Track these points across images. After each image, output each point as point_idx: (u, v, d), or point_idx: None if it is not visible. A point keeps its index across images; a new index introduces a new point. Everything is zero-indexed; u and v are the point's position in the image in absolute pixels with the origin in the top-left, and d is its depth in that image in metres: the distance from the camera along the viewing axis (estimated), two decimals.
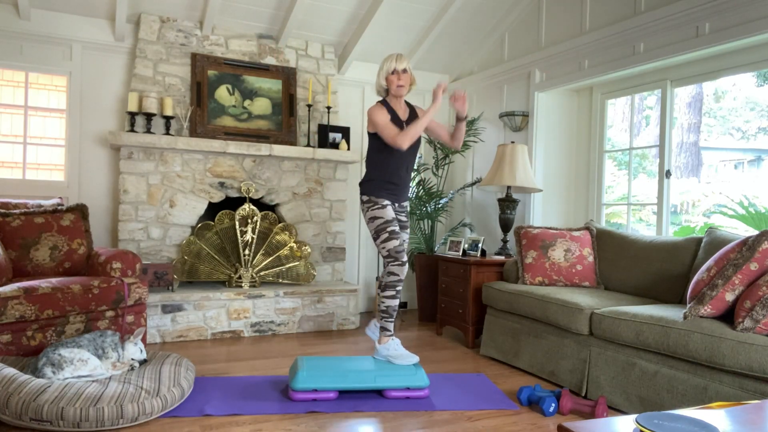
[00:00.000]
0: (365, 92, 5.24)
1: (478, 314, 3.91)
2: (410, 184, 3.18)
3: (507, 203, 4.23)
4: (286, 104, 4.64)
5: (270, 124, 4.56)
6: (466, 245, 4.22)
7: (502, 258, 4.02)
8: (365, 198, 3.01)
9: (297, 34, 4.72)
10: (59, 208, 3.51)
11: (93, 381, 2.46)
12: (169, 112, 4.14)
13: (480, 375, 3.23)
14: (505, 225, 4.26)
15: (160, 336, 3.84)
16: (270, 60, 4.66)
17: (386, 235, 2.93)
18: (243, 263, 4.25)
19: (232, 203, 4.41)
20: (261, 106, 4.55)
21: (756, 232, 2.51)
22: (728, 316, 2.46)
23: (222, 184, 4.35)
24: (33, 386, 2.26)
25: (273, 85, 4.61)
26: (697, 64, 3.54)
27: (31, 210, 3.42)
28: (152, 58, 4.26)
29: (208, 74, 4.39)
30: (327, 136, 4.67)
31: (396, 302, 2.99)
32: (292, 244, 4.45)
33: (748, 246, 2.42)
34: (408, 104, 3.17)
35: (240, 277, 4.23)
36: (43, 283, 2.89)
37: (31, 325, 2.82)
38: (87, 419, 2.20)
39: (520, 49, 4.70)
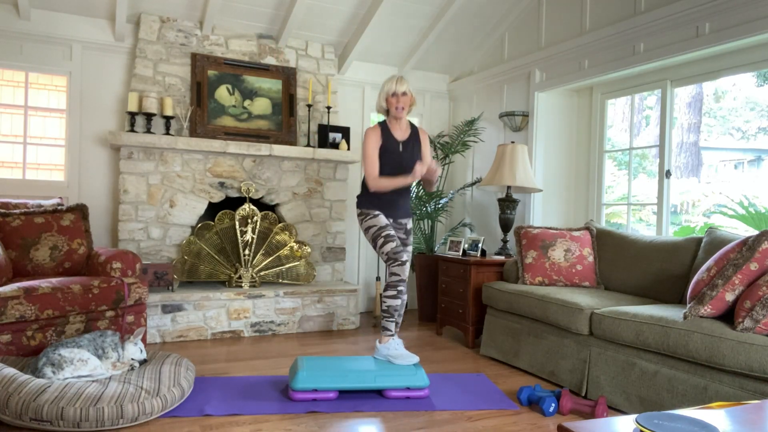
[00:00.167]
0: (365, 92, 5.24)
1: (478, 314, 3.91)
2: (407, 203, 3.26)
3: (507, 203, 4.23)
4: (286, 104, 4.64)
5: (270, 124, 4.56)
6: (466, 245, 4.22)
7: (502, 258, 4.02)
8: (359, 211, 3.17)
9: (297, 34, 4.72)
10: (59, 208, 3.51)
11: (93, 381, 2.46)
12: (169, 112, 4.14)
13: (480, 375, 3.23)
14: (505, 225, 4.26)
15: (160, 336, 3.84)
16: (270, 60, 4.66)
17: (382, 240, 3.02)
18: (243, 263, 4.25)
19: (232, 203, 4.41)
20: (261, 106, 4.55)
21: (756, 232, 2.51)
22: (728, 316, 2.46)
23: (222, 184, 4.35)
24: (33, 386, 2.26)
25: (273, 85, 4.61)
26: (697, 64, 3.54)
27: (31, 210, 3.42)
28: (152, 58, 4.26)
29: (208, 74, 4.39)
30: (327, 136, 4.67)
31: (397, 302, 3.02)
32: (292, 244, 4.45)
33: (748, 246, 2.42)
34: (411, 124, 3.26)
35: (240, 277, 4.23)
36: (43, 283, 2.89)
37: (31, 325, 2.82)
38: (87, 419, 2.20)
39: (520, 49, 4.70)
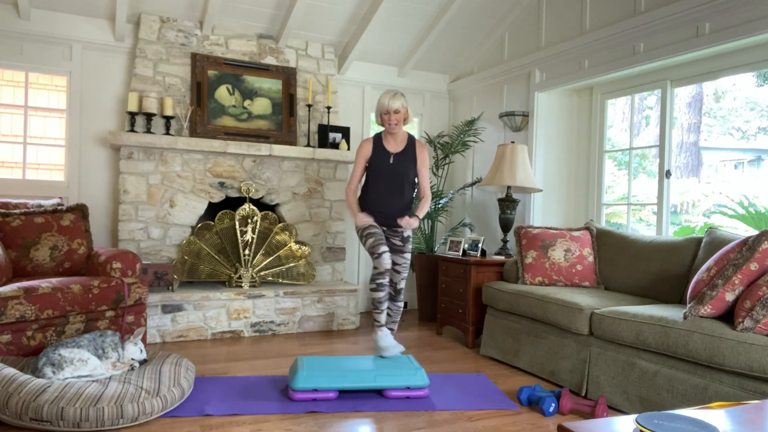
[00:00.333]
0: (365, 92, 5.24)
1: (478, 314, 3.91)
2: (403, 213, 3.31)
3: (507, 203, 4.23)
4: (286, 104, 4.64)
5: (270, 124, 4.57)
6: (466, 245, 4.22)
7: (502, 258, 4.02)
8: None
9: (297, 34, 4.72)
10: (59, 208, 3.51)
11: (93, 381, 2.46)
12: (169, 112, 4.14)
13: (480, 375, 3.23)
14: (505, 225, 4.26)
15: (160, 336, 3.84)
16: (270, 60, 4.66)
17: (364, 238, 3.19)
18: (243, 263, 4.25)
19: (232, 203, 4.41)
20: (261, 106, 4.56)
21: (756, 232, 2.51)
22: (728, 316, 2.46)
23: (222, 184, 4.35)
24: (33, 386, 2.26)
25: (273, 85, 4.61)
26: (697, 64, 3.54)
27: (31, 210, 3.42)
28: (152, 58, 4.26)
29: (208, 74, 4.39)
30: (327, 136, 4.67)
31: (379, 294, 3.14)
32: (292, 244, 4.45)
33: (748, 246, 2.42)
34: (410, 137, 3.34)
35: (240, 277, 4.23)
36: (43, 283, 2.89)
37: (31, 325, 2.82)
38: (87, 419, 2.20)
39: (520, 49, 4.70)
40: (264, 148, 4.35)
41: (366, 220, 3.21)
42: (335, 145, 4.74)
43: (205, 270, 4.20)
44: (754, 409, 1.52)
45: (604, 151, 4.34)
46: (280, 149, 4.40)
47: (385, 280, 3.13)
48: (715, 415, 1.45)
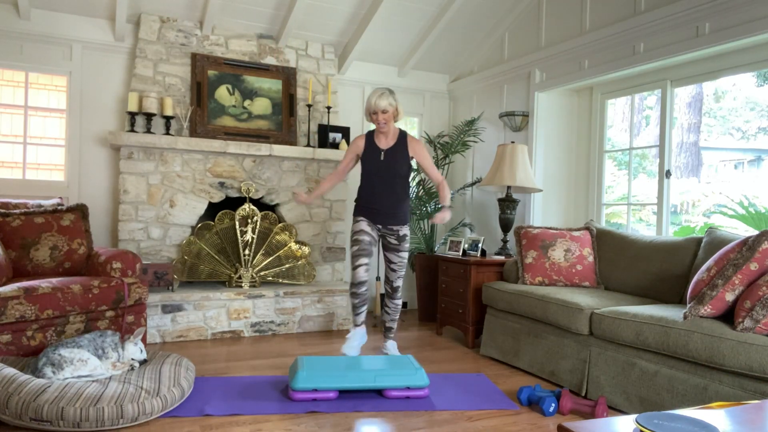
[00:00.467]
0: (365, 92, 5.24)
1: (478, 314, 3.91)
2: (396, 210, 3.36)
3: (507, 203, 4.23)
4: (286, 104, 4.64)
5: (270, 124, 4.57)
6: (466, 245, 4.22)
7: (502, 258, 4.02)
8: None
9: (297, 34, 4.72)
10: (59, 208, 3.51)
11: (93, 381, 2.46)
12: (169, 112, 4.14)
13: (480, 375, 3.23)
14: (505, 225, 4.26)
15: (160, 336, 3.84)
16: (270, 60, 4.66)
17: (351, 243, 3.36)
18: (243, 263, 4.25)
19: (232, 203, 4.41)
20: (261, 106, 4.56)
21: (756, 232, 2.51)
22: (728, 316, 2.46)
23: (222, 184, 4.35)
24: (33, 386, 2.26)
25: (273, 85, 4.61)
26: (697, 64, 3.54)
27: (31, 210, 3.42)
28: (152, 58, 4.26)
29: (208, 74, 4.39)
30: (327, 136, 4.67)
31: (354, 300, 3.36)
32: (292, 244, 4.45)
33: (748, 246, 2.42)
34: (401, 132, 3.38)
35: (240, 277, 4.23)
36: (43, 283, 2.89)
37: (31, 325, 2.82)
38: (87, 419, 2.20)
39: (520, 49, 4.70)
40: (264, 148, 4.35)
41: (303, 197, 3.36)
42: (335, 145, 4.74)
43: (205, 270, 4.20)
44: (754, 409, 1.52)
45: (604, 151, 4.33)
46: (280, 149, 4.40)
47: (360, 290, 3.34)
48: (715, 415, 1.45)
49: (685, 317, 2.47)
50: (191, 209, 4.26)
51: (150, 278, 3.90)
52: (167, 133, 4.18)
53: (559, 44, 4.18)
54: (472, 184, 5.03)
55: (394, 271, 3.44)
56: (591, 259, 3.56)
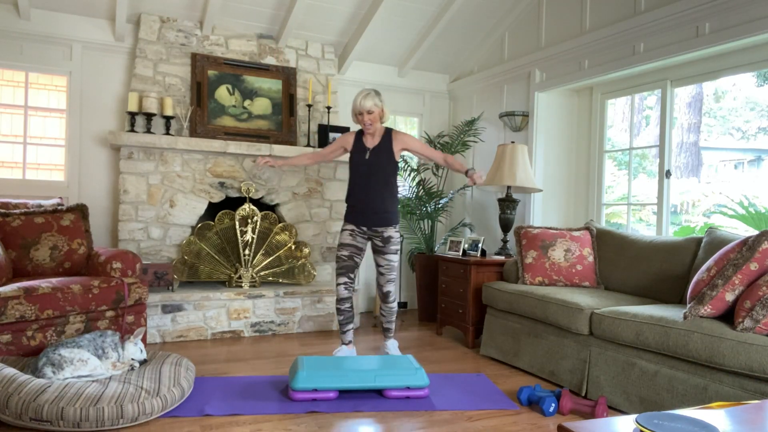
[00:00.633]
0: None
1: (478, 314, 3.91)
2: (382, 210, 3.33)
3: (507, 203, 4.23)
4: (286, 104, 4.64)
5: (270, 124, 4.57)
6: (466, 245, 4.22)
7: (502, 258, 4.02)
8: None
9: (297, 34, 4.72)
10: (59, 208, 3.51)
11: (93, 381, 2.46)
12: (169, 112, 4.14)
13: (480, 375, 3.23)
14: (505, 225, 4.26)
15: (160, 336, 3.84)
16: (270, 60, 4.66)
17: (335, 256, 3.44)
18: (243, 263, 4.25)
19: (232, 203, 4.41)
20: (261, 106, 4.56)
21: (756, 232, 2.51)
22: (728, 316, 2.46)
23: (222, 184, 4.35)
24: (33, 386, 2.26)
25: (273, 85, 4.61)
26: (697, 64, 3.54)
27: (31, 210, 3.42)
28: (152, 58, 4.26)
29: (208, 74, 4.39)
30: (327, 136, 4.67)
31: (339, 317, 3.40)
32: (292, 244, 4.45)
33: (748, 246, 2.42)
34: (386, 130, 3.38)
35: (240, 277, 4.23)
36: (43, 283, 2.89)
37: (31, 325, 2.82)
38: (87, 419, 2.20)
39: (520, 49, 4.70)
40: (264, 148, 4.35)
41: (266, 159, 3.44)
42: None
43: (205, 270, 4.20)
44: (754, 409, 1.52)
45: (604, 151, 4.34)
46: (280, 149, 4.40)
47: (343, 306, 3.38)
48: (715, 415, 1.45)
49: (685, 317, 2.47)
50: (191, 209, 4.26)
51: (150, 278, 3.90)
52: (167, 133, 4.18)
53: (559, 44, 4.18)
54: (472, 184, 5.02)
55: (382, 275, 3.41)
56: (591, 259, 3.56)
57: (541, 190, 4.24)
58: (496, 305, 3.58)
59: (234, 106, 4.46)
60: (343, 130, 4.81)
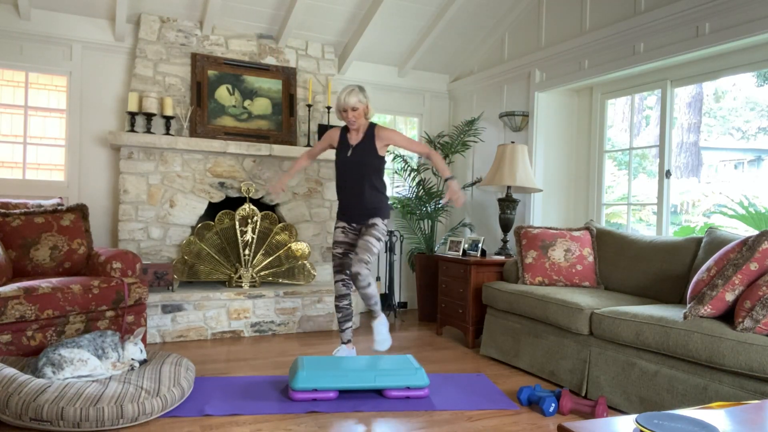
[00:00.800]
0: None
1: (478, 314, 3.91)
2: (368, 205, 3.28)
3: (507, 203, 4.23)
4: (286, 104, 4.64)
5: (270, 124, 4.57)
6: (466, 245, 4.22)
7: (502, 258, 4.02)
8: None
9: (297, 34, 4.72)
10: (59, 208, 3.51)
11: (93, 381, 2.46)
12: (169, 112, 4.14)
13: (480, 375, 3.23)
14: (505, 225, 4.26)
15: (160, 336, 3.84)
16: (270, 60, 4.66)
17: (332, 253, 3.43)
18: (243, 263, 4.25)
19: (232, 203, 4.41)
20: (261, 106, 4.56)
21: (756, 232, 2.51)
22: (728, 316, 2.46)
23: (222, 184, 4.35)
24: (33, 386, 2.26)
25: (273, 85, 4.61)
26: (697, 64, 3.54)
27: (31, 210, 3.42)
28: (152, 58, 4.26)
29: (208, 74, 4.39)
30: None
31: (338, 315, 3.40)
32: (292, 244, 4.45)
33: (748, 246, 2.42)
34: (370, 125, 3.33)
35: (240, 277, 4.23)
36: (43, 283, 2.89)
37: (31, 325, 2.82)
38: (87, 419, 2.20)
39: (520, 49, 4.70)
40: (264, 148, 4.35)
41: (277, 187, 3.49)
42: None
43: (205, 270, 4.20)
44: (754, 409, 1.52)
45: (604, 151, 4.34)
46: (280, 149, 4.40)
47: (342, 303, 3.37)
48: (715, 415, 1.45)
49: (685, 317, 2.47)
50: (191, 209, 4.26)
51: (150, 278, 3.90)
52: (167, 133, 4.18)
53: (559, 44, 4.18)
54: (472, 184, 5.03)
55: (355, 254, 3.17)
56: (591, 259, 3.56)
57: (541, 190, 4.24)
58: (496, 305, 3.58)
59: (234, 106, 4.46)
60: None
